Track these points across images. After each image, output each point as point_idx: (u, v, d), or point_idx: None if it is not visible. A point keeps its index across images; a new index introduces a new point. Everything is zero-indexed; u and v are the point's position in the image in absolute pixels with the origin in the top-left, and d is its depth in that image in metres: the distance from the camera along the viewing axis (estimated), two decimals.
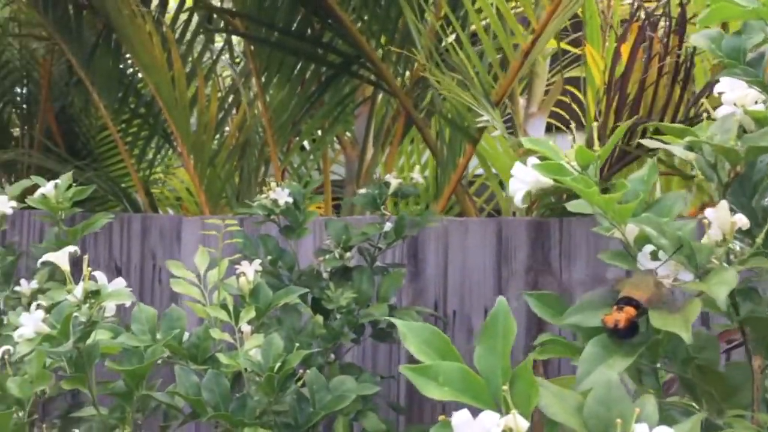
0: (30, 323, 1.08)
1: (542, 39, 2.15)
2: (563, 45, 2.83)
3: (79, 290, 1.09)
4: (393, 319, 0.74)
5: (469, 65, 2.33)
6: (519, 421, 0.66)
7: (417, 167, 2.38)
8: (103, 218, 1.61)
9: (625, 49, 2.04)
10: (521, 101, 3.07)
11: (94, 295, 1.09)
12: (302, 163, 3.40)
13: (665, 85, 1.83)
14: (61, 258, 1.15)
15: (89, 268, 1.10)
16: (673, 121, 1.87)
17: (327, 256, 1.84)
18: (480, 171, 3.65)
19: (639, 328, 0.78)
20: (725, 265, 0.78)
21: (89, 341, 1.10)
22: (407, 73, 3.13)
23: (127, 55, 3.61)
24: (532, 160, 0.87)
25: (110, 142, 4.14)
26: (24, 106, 4.31)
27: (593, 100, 2.29)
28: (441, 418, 0.67)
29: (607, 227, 0.86)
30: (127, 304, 1.15)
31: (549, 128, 3.16)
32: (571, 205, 0.94)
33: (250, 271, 1.35)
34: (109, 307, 1.13)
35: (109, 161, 4.35)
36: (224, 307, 1.26)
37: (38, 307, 1.13)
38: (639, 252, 0.84)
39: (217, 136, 3.50)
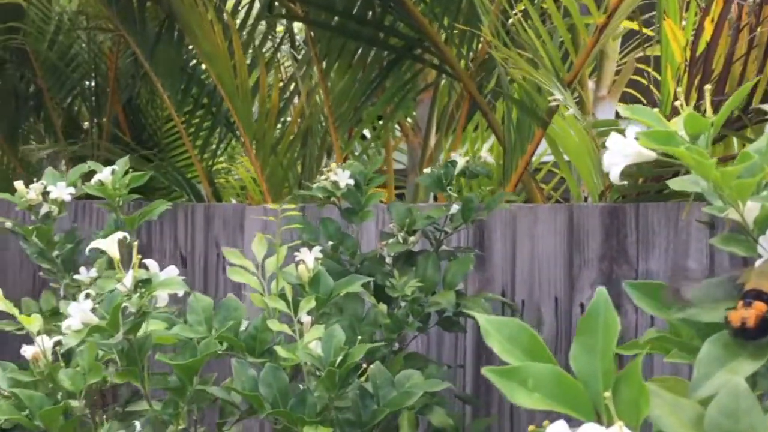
0: (77, 314, 1.04)
1: (618, 14, 2.03)
2: (635, 25, 2.69)
3: (129, 279, 1.04)
4: (474, 313, 0.66)
5: (538, 43, 2.22)
6: None
7: (486, 146, 2.28)
8: (161, 205, 1.57)
9: (709, 23, 1.90)
10: (590, 84, 2.94)
11: (144, 284, 1.04)
12: (364, 150, 3.34)
13: (756, 59, 1.68)
14: (110, 245, 1.10)
15: (139, 256, 1.05)
16: (765, 97, 1.73)
17: (390, 241, 1.75)
18: (546, 158, 3.53)
19: None
20: None
21: (140, 332, 1.06)
22: (471, 55, 3.03)
23: (190, 46, 3.61)
24: (633, 129, 0.77)
25: (176, 132, 4.16)
26: (93, 98, 4.35)
27: (672, 78, 2.15)
28: (531, 429, 0.58)
29: (720, 207, 0.76)
30: (180, 293, 1.10)
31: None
32: (674, 183, 0.84)
33: (309, 258, 1.28)
34: (162, 296, 1.08)
35: (175, 152, 4.38)
36: (283, 296, 1.20)
37: (87, 296, 1.08)
38: (761, 236, 0.74)
39: (279, 124, 3.47)
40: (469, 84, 2.76)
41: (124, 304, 1.02)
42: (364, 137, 3.53)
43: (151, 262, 1.10)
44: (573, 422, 0.58)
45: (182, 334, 1.13)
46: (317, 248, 1.31)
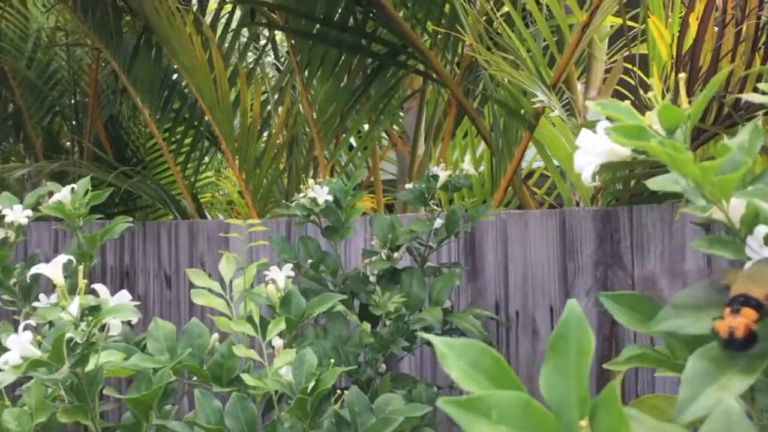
0: (16, 347, 0.94)
1: (600, 11, 1.95)
2: (621, 20, 2.62)
3: (74, 307, 0.95)
4: (429, 336, 0.58)
5: (521, 46, 2.15)
6: None
7: (468, 157, 2.20)
8: (121, 223, 1.48)
9: (694, 19, 1.83)
10: (579, 86, 2.87)
11: (92, 311, 0.95)
12: (350, 160, 3.26)
13: (743, 54, 1.61)
14: (53, 270, 1.01)
15: (85, 281, 0.96)
16: (755, 92, 1.66)
17: (373, 258, 1.69)
18: (538, 163, 3.45)
19: (758, 336, 0.59)
20: None
21: (91, 365, 0.96)
22: (456, 60, 2.95)
23: (170, 58, 3.53)
24: (603, 125, 0.69)
25: (159, 149, 4.08)
26: (73, 116, 4.27)
27: (659, 77, 2.07)
28: None
29: (702, 207, 0.67)
30: (134, 320, 1.01)
31: None
32: (652, 183, 0.76)
33: (280, 277, 1.20)
34: (114, 324, 0.99)
35: (159, 168, 4.30)
36: (249, 319, 1.11)
37: (26, 327, 0.99)
38: (748, 236, 0.65)
39: (264, 136, 3.39)
40: (455, 89, 2.68)
41: (69, 335, 0.93)
42: (351, 147, 3.45)
43: (100, 287, 1.01)
44: None
45: (141, 365, 1.04)
46: (288, 266, 1.23)
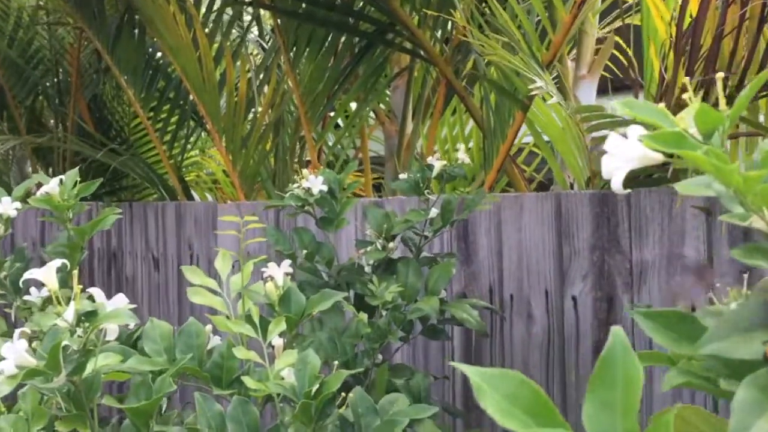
0: (11, 356, 0.91)
1: None
2: None
3: (70, 313, 0.92)
4: (464, 367, 0.54)
5: (513, 26, 2.11)
6: None
7: (462, 145, 2.18)
8: (111, 214, 1.44)
9: None
10: (569, 63, 2.84)
11: (88, 317, 0.92)
12: (338, 140, 3.21)
13: (747, 33, 1.58)
14: (47, 274, 0.97)
15: (80, 286, 0.92)
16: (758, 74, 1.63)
17: (368, 248, 1.67)
18: (527, 139, 3.42)
19: None
20: None
21: (87, 372, 0.93)
22: (446, 38, 2.91)
23: (154, 38, 3.46)
24: (635, 130, 0.66)
25: (143, 129, 4.02)
26: (56, 95, 4.20)
27: (656, 56, 2.04)
28: None
29: (741, 215, 0.65)
30: (131, 325, 0.98)
31: (601, 91, 2.91)
32: (682, 186, 0.73)
33: (278, 274, 1.17)
34: (111, 328, 0.96)
35: (144, 148, 4.24)
36: (248, 319, 1.09)
37: (21, 335, 0.96)
38: None
39: (250, 116, 3.34)
40: (444, 68, 2.64)
41: (65, 342, 0.90)
42: (338, 126, 3.41)
43: (96, 291, 0.98)
44: None
45: (139, 368, 1.01)
46: (287, 262, 1.20)
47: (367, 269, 1.67)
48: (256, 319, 1.08)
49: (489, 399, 0.51)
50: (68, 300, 0.95)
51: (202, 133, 3.97)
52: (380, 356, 1.62)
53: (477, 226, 2.06)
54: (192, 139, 4.13)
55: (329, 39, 2.83)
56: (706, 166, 0.58)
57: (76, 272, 0.94)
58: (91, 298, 0.95)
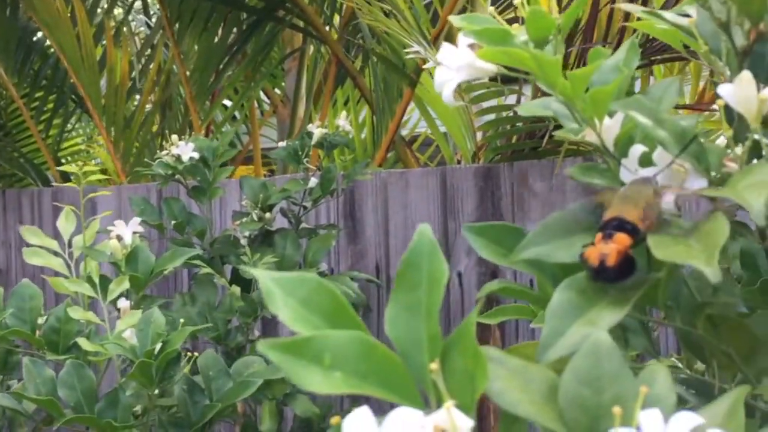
0: None
1: None
2: None
3: None
4: (253, 270, 0.48)
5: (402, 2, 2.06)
6: (457, 419, 0.40)
7: (344, 113, 2.12)
8: None
9: None
10: (463, 39, 2.81)
11: None
12: (225, 119, 3.10)
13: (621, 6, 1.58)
14: None
15: None
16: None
17: (244, 219, 1.59)
18: (421, 128, 3.39)
19: (636, 265, 0.51)
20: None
21: None
22: (336, 16, 2.85)
23: (28, 14, 3.26)
24: (465, 39, 0.61)
25: (22, 114, 3.79)
26: None
27: None
28: (334, 420, 0.41)
29: (574, 129, 0.60)
30: None
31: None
32: (523, 108, 0.68)
33: (127, 232, 1.07)
34: None
35: (23, 135, 4.00)
36: (89, 279, 0.99)
37: None
38: (623, 159, 0.58)
39: (136, 97, 3.18)
40: (334, 46, 2.58)
41: None
42: (226, 107, 3.29)
43: None
44: (391, 407, 0.41)
45: None
46: (136, 220, 1.10)
47: (244, 242, 1.58)
48: (97, 279, 0.99)
49: (281, 304, 0.44)
50: None
51: (91, 121, 3.77)
52: (257, 332, 1.54)
53: (364, 203, 2.01)
54: (77, 126, 3.92)
55: (215, 14, 2.72)
56: (527, 61, 0.52)
57: None
58: None
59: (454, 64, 0.60)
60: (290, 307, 0.45)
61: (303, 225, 1.66)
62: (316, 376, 0.42)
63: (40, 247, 1.04)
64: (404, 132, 2.98)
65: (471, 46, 0.63)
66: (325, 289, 0.46)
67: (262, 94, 3.42)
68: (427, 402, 0.45)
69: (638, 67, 0.78)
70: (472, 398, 0.43)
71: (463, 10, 2.13)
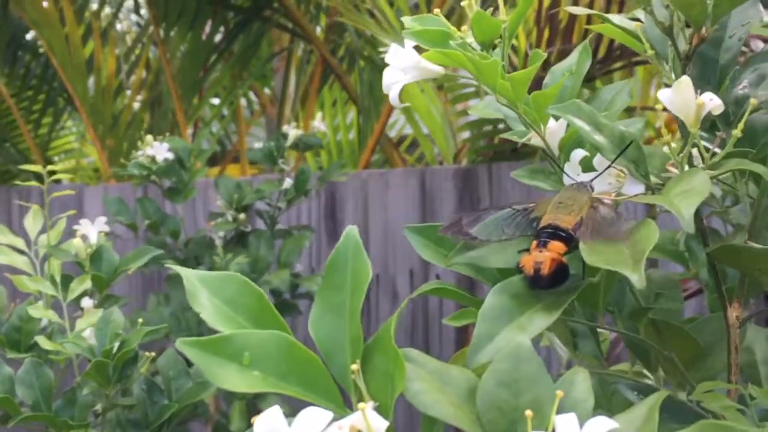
0: None
1: None
2: None
3: None
4: (177, 268, 0.48)
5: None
6: (372, 420, 0.40)
7: (319, 114, 2.12)
8: None
9: None
10: None
11: None
12: (212, 118, 3.10)
13: (600, 8, 1.60)
14: None
15: None
16: (611, 47, 1.64)
17: (219, 220, 1.59)
18: (408, 130, 3.38)
19: (568, 272, 0.51)
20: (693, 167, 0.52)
21: None
22: (322, 16, 2.85)
23: (18, 12, 3.25)
24: (411, 41, 0.60)
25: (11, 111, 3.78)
26: None
27: (523, 33, 2.04)
28: (253, 419, 0.41)
29: (519, 132, 0.60)
30: None
31: None
32: (474, 109, 0.68)
33: (92, 231, 1.07)
34: None
35: (14, 132, 3.99)
36: (51, 277, 0.99)
37: None
38: (567, 163, 0.58)
39: (127, 95, 3.17)
40: (320, 45, 2.58)
41: None
42: (215, 106, 3.28)
43: None
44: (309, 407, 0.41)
45: None
46: (101, 219, 1.10)
47: (218, 242, 1.58)
48: (58, 278, 0.98)
49: (205, 302, 0.44)
50: None
51: (72, 115, 3.76)
52: None
53: (345, 203, 2.01)
54: (68, 124, 3.91)
55: (201, 14, 2.72)
56: (465, 63, 0.52)
57: None
58: None
59: (401, 65, 0.60)
60: (214, 306, 0.45)
61: (278, 226, 1.66)
62: (233, 375, 0.42)
63: (6, 245, 1.04)
64: (392, 133, 2.98)
65: (417, 47, 0.63)
66: (250, 289, 0.46)
67: (252, 93, 3.42)
68: (349, 402, 0.45)
69: (611, 71, 0.78)
70: (391, 399, 0.44)
71: (452, 10, 2.13)
